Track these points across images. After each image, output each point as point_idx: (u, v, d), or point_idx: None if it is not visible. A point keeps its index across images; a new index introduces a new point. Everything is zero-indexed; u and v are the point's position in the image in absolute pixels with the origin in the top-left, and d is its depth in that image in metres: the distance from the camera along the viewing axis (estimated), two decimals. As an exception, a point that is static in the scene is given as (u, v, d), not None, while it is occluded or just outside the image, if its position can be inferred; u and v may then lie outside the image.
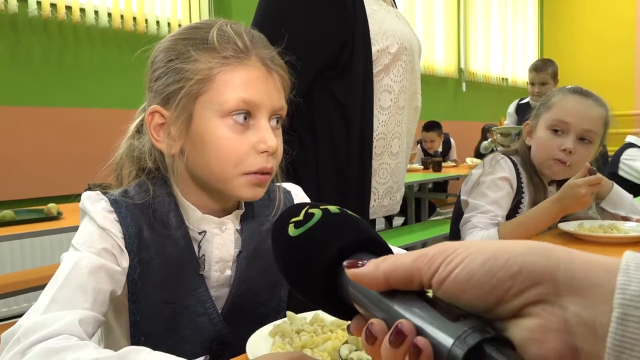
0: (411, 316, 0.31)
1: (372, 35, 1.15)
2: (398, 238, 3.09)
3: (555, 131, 1.35)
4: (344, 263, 0.36)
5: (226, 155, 0.71)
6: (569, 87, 1.41)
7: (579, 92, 1.38)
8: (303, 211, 0.42)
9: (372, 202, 1.27)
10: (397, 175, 1.30)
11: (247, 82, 0.72)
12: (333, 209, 0.42)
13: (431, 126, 4.69)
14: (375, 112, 1.19)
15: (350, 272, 0.35)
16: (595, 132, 1.34)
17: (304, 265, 0.39)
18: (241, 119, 0.71)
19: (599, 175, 1.24)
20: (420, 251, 0.33)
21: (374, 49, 1.15)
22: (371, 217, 1.29)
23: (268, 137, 0.72)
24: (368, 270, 0.34)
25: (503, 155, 1.43)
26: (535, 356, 0.28)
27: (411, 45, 1.23)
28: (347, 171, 1.19)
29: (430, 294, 0.33)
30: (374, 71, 1.17)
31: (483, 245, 0.31)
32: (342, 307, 0.38)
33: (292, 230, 0.41)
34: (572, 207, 1.22)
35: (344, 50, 1.13)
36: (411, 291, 0.33)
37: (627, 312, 0.26)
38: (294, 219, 0.42)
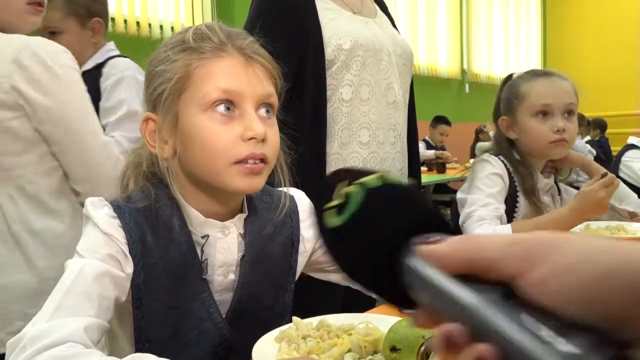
0: (510, 332, 0.25)
1: (326, 39, 1.24)
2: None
3: (543, 115, 1.36)
4: (415, 240, 0.31)
5: (213, 147, 0.71)
6: (525, 72, 1.44)
7: (542, 73, 1.41)
8: (340, 192, 0.36)
9: None
10: (386, 164, 1.34)
11: (225, 71, 0.72)
12: (372, 181, 0.35)
13: (443, 119, 5.13)
14: (338, 104, 1.26)
15: (425, 250, 0.30)
16: (574, 103, 1.38)
17: (363, 253, 0.34)
18: (224, 109, 0.71)
19: (610, 175, 1.24)
20: (513, 238, 0.28)
21: (329, 49, 1.24)
22: None
23: (254, 125, 0.71)
24: (448, 248, 0.29)
25: (490, 155, 1.43)
26: None
27: (374, 45, 1.31)
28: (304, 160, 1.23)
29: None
30: (334, 68, 1.25)
31: (596, 251, 0.25)
32: (402, 296, 0.33)
33: (333, 219, 0.35)
34: (592, 213, 1.23)
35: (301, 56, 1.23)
36: (493, 287, 0.27)
37: None
38: (330, 204, 0.35)
